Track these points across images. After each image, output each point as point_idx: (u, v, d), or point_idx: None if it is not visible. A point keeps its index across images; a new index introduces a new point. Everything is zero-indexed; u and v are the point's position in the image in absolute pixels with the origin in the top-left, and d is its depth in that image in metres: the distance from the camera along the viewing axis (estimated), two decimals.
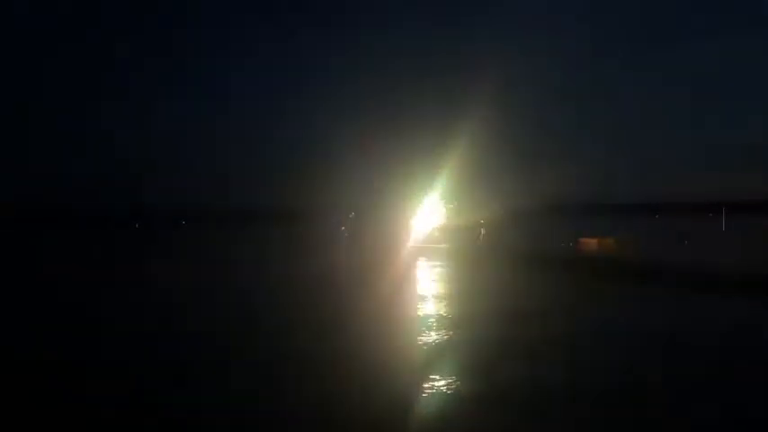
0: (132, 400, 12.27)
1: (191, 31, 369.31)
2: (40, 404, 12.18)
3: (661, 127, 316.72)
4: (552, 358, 15.12)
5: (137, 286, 33.58)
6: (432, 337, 18.06)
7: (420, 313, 22.89)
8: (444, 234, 59.53)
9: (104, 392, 12.76)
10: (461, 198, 66.18)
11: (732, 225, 76.41)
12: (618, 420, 10.74)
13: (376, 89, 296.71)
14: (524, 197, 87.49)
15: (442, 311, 23.07)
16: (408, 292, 29.74)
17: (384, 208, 73.17)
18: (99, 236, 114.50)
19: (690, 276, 28.64)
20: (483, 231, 59.19)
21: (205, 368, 14.70)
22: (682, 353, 15.58)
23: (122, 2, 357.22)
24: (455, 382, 13.04)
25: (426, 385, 12.55)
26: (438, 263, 44.74)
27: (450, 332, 18.70)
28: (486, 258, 44.20)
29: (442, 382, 12.86)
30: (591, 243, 46.86)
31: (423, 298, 27.00)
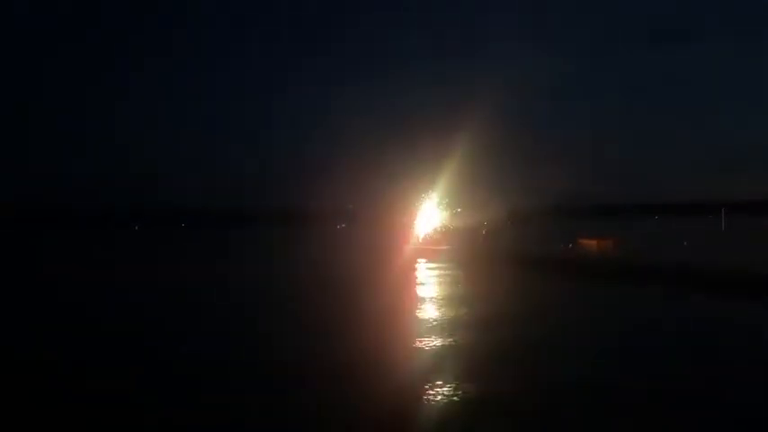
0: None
1: (190, 32, 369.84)
2: (44, 403, 12.26)
3: (661, 128, 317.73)
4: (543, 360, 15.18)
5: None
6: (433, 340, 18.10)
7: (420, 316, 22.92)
8: (445, 236, 59.44)
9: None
10: (462, 200, 66.06)
11: (732, 225, 76.48)
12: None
13: (377, 90, 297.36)
14: (525, 198, 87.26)
15: (442, 315, 23.08)
16: (408, 294, 29.82)
17: (384, 209, 73.07)
18: (99, 236, 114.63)
19: (689, 277, 28.81)
20: (485, 233, 59.25)
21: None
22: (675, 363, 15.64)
23: (122, 2, 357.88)
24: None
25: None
26: (438, 265, 44.83)
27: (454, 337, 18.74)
28: (486, 261, 44.26)
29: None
30: (590, 244, 46.92)
31: (422, 300, 27.07)
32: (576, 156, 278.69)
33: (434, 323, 20.87)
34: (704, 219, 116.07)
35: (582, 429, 10.69)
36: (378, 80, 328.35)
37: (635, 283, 29.89)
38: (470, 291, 31.32)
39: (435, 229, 62.01)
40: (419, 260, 48.58)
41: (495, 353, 16.41)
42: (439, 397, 12.22)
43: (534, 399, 12.20)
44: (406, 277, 37.62)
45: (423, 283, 34.38)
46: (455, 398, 12.19)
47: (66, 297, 30.03)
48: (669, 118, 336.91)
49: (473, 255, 48.21)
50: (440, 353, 16.59)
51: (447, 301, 26.75)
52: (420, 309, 24.51)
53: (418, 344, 17.61)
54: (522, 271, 38.05)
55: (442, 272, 40.02)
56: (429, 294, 29.05)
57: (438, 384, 12.95)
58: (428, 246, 56.75)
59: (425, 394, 12.33)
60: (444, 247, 53.71)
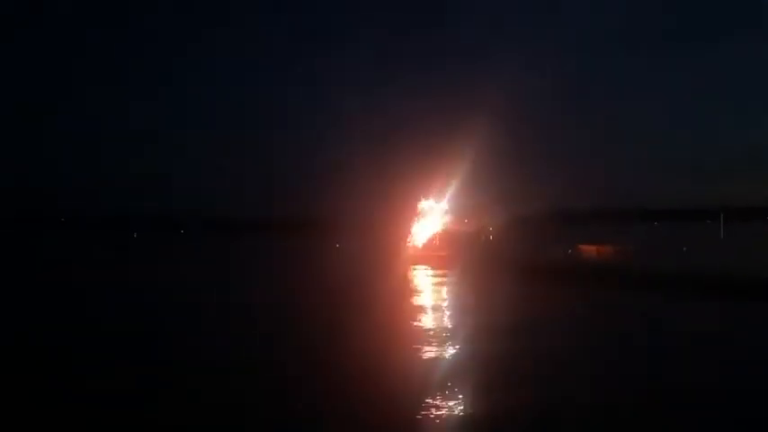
0: None
1: (191, 32, 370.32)
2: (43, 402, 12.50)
3: (662, 129, 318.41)
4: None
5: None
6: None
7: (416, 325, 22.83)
8: (446, 241, 58.54)
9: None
10: (464, 204, 65.09)
11: (730, 232, 76.31)
12: None
13: (379, 92, 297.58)
14: (525, 203, 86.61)
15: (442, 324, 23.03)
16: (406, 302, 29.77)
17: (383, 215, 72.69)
18: (99, 236, 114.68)
19: (687, 283, 29.18)
20: (485, 239, 59.10)
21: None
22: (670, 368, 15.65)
23: (122, 2, 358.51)
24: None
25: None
26: (437, 272, 44.65)
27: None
28: (486, 267, 44.05)
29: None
30: (590, 250, 46.97)
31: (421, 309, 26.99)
32: (577, 161, 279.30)
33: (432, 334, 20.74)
34: (703, 225, 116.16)
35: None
36: (380, 80, 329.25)
37: (645, 289, 29.95)
38: (470, 300, 31.10)
39: (435, 235, 61.22)
40: (418, 267, 48.40)
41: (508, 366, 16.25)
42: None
43: None
44: (404, 285, 37.41)
45: (421, 291, 34.36)
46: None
47: (65, 297, 29.89)
48: (669, 118, 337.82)
49: (473, 261, 47.95)
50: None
51: (447, 309, 26.71)
52: (417, 320, 24.07)
53: (411, 362, 16.88)
54: (523, 279, 37.83)
55: (441, 279, 39.87)
56: (427, 303, 29.00)
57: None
58: (428, 252, 56.44)
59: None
60: (444, 253, 53.44)
